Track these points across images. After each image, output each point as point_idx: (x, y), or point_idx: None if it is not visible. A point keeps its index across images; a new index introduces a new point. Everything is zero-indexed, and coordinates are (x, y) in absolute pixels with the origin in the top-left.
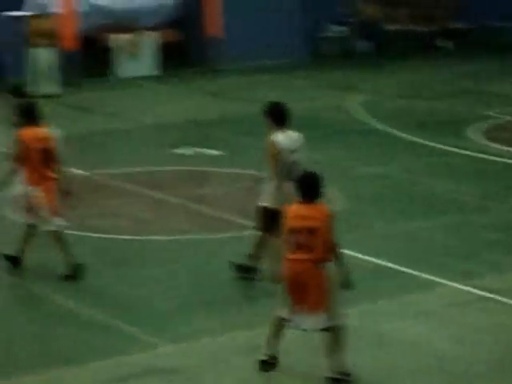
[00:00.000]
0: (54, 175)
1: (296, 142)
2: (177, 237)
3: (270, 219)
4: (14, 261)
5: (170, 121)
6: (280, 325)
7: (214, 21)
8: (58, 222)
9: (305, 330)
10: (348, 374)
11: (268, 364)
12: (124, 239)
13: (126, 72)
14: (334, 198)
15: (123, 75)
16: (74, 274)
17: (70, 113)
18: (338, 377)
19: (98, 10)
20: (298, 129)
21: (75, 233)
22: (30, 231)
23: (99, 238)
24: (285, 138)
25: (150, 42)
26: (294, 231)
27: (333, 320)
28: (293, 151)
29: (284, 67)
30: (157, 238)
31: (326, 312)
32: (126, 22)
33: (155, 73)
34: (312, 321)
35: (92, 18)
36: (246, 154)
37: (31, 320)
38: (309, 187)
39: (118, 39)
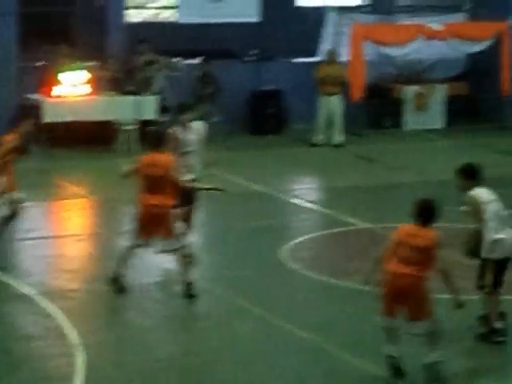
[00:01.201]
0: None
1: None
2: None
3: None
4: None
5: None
6: None
7: (503, 77)
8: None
9: None
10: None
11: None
12: None
13: (412, 124)
14: None
15: (408, 127)
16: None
17: (355, 163)
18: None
19: (387, 59)
20: None
21: (366, 288)
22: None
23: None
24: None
25: (438, 94)
26: None
27: None
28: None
29: None
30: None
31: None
32: (414, 74)
33: (441, 126)
34: None
35: (380, 67)
36: None
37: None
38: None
39: (405, 90)
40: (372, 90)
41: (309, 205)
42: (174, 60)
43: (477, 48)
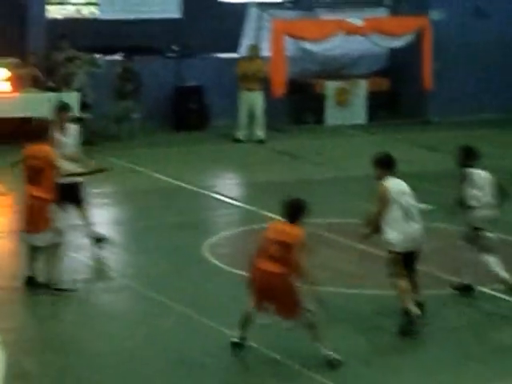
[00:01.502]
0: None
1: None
2: (382, 291)
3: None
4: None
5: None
6: None
7: (425, 71)
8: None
9: None
10: None
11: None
12: (333, 292)
13: (334, 120)
14: None
15: (330, 123)
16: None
17: (277, 159)
18: None
19: (309, 55)
20: None
21: None
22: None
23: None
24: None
25: (360, 89)
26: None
27: None
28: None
29: (499, 122)
30: (363, 292)
31: None
32: (335, 69)
33: (363, 122)
34: None
35: (302, 63)
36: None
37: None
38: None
39: (327, 86)
40: (294, 86)
41: (231, 200)
42: (95, 56)
43: (398, 43)
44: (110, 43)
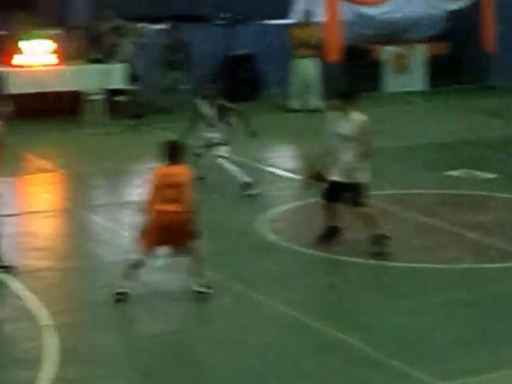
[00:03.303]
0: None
1: None
2: (450, 265)
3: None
4: None
5: (440, 140)
6: None
7: (487, 34)
8: None
9: None
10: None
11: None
12: (395, 266)
13: (392, 86)
14: None
15: (389, 90)
16: None
17: None
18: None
19: (365, 19)
20: None
21: (346, 258)
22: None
23: (370, 264)
24: None
25: (418, 55)
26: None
27: None
28: None
29: None
30: (430, 266)
31: None
32: (393, 34)
33: (423, 88)
34: None
35: (358, 28)
36: None
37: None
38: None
39: (384, 51)
40: (350, 52)
41: (286, 173)
42: (141, 26)
43: (456, 5)
44: (157, 12)
